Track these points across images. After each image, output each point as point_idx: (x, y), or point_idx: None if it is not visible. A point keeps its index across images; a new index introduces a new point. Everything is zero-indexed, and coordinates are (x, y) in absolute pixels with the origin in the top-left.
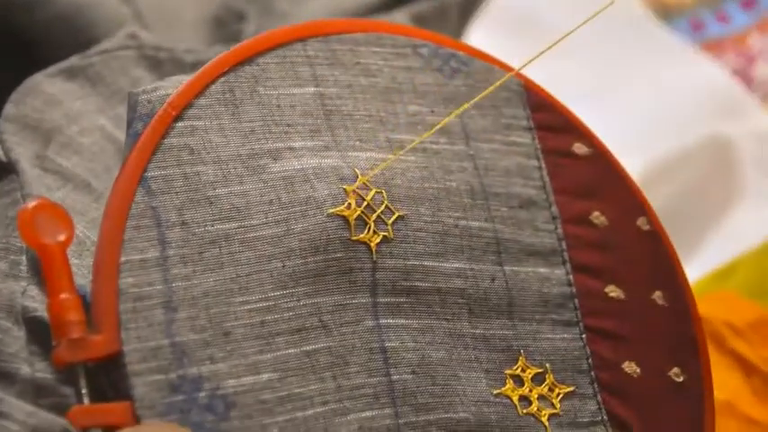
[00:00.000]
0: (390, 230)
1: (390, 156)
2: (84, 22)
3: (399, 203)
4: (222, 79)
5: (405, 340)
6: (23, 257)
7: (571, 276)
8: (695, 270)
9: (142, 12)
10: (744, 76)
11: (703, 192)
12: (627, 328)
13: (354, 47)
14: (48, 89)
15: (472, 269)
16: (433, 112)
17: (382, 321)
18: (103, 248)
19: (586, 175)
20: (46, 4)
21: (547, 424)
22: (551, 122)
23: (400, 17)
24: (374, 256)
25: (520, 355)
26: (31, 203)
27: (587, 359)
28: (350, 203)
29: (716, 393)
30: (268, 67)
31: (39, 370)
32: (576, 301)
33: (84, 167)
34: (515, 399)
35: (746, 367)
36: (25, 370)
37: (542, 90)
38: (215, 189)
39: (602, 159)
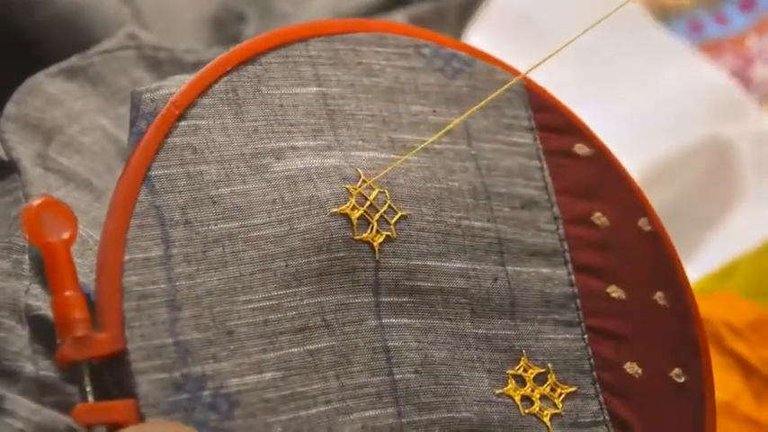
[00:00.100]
0: (393, 230)
1: (393, 155)
2: (83, 22)
3: (402, 203)
4: (225, 78)
5: (407, 340)
6: (26, 256)
7: (573, 277)
8: (694, 270)
9: (142, 12)
10: (742, 77)
11: (702, 192)
12: (628, 329)
13: (357, 47)
14: (48, 89)
15: (474, 269)
16: (435, 112)
17: (385, 321)
18: (107, 247)
19: (588, 176)
20: (46, 4)
21: (549, 424)
22: (553, 123)
23: (399, 19)
24: (377, 256)
25: (522, 355)
26: (36, 201)
27: (589, 359)
28: (353, 203)
29: (716, 394)
30: (271, 67)
31: (42, 368)
32: (578, 301)
33: (86, 167)
34: (517, 399)
35: (746, 368)
36: (29, 368)
37: (544, 91)
38: (218, 188)
39: (603, 160)
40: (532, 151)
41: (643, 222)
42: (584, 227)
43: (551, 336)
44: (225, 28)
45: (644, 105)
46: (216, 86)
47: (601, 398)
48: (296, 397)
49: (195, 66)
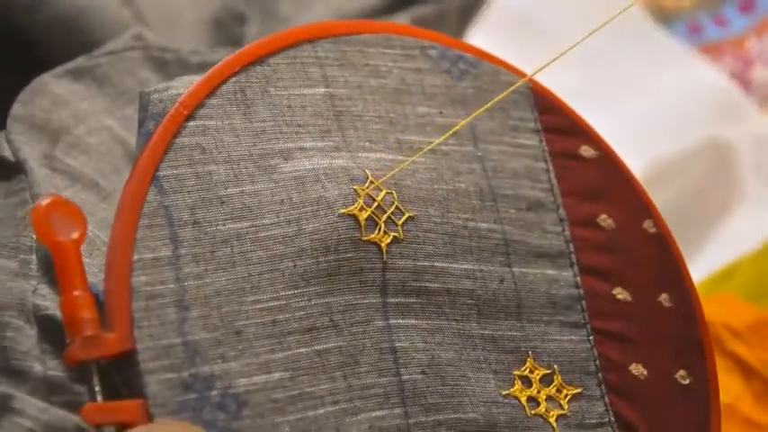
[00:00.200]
0: (401, 231)
1: (400, 156)
2: (84, 23)
3: (409, 204)
4: (233, 79)
5: (414, 340)
6: (33, 256)
7: (578, 278)
8: (694, 272)
9: (143, 14)
10: (742, 79)
11: (702, 194)
12: (634, 331)
13: (364, 48)
14: (55, 89)
15: (481, 270)
16: (441, 113)
17: (392, 321)
18: (116, 247)
19: (593, 178)
20: (46, 5)
21: (555, 425)
22: (558, 125)
23: (401, 21)
24: (384, 257)
25: (528, 356)
26: (45, 201)
27: (595, 361)
28: (361, 204)
29: None
30: (279, 68)
31: (51, 368)
32: (584, 302)
33: (92, 167)
34: (524, 400)
35: (746, 370)
36: (37, 368)
37: (549, 92)
38: (227, 188)
39: (608, 162)
40: (538, 153)
41: (648, 224)
42: (589, 229)
43: (557, 337)
44: (226, 29)
45: (644, 107)
46: (224, 87)
47: (606, 399)
48: (304, 397)
49: (201, 67)
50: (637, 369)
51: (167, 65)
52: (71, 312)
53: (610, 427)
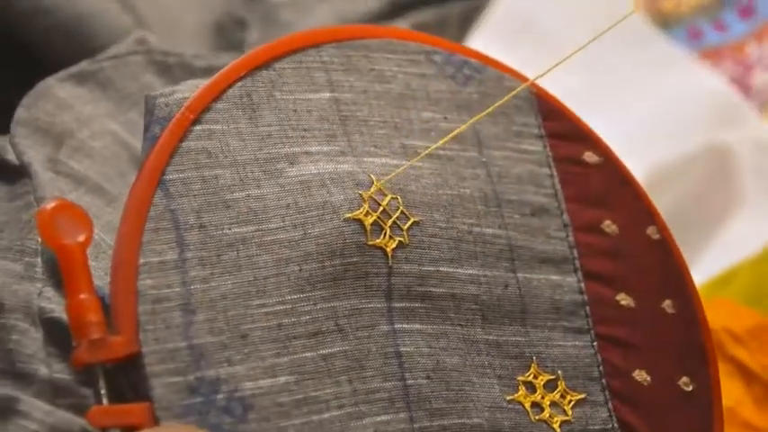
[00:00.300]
0: (406, 236)
1: (405, 161)
2: (85, 29)
3: (414, 209)
4: (239, 84)
5: (419, 345)
6: (39, 259)
7: (582, 284)
8: (694, 277)
9: (144, 20)
10: (741, 84)
11: (702, 199)
12: (637, 337)
13: (368, 53)
14: (59, 93)
15: (486, 276)
16: (446, 118)
17: (397, 326)
18: (122, 250)
19: (597, 184)
20: (47, 11)
21: (559, 431)
22: (562, 130)
23: (402, 26)
24: (390, 261)
25: (532, 361)
26: (50, 204)
27: (598, 366)
28: (366, 209)
29: None
30: (284, 72)
31: (56, 371)
32: (588, 308)
33: (96, 171)
34: (528, 405)
35: (746, 374)
36: (43, 371)
37: (553, 98)
38: (232, 192)
39: (612, 168)
40: (542, 159)
41: (652, 230)
42: (593, 234)
43: (561, 342)
44: (226, 35)
45: (644, 112)
46: (230, 91)
47: (610, 405)
48: (309, 401)
49: (204, 71)
50: (640, 375)
51: (170, 69)
52: (77, 315)
53: None
